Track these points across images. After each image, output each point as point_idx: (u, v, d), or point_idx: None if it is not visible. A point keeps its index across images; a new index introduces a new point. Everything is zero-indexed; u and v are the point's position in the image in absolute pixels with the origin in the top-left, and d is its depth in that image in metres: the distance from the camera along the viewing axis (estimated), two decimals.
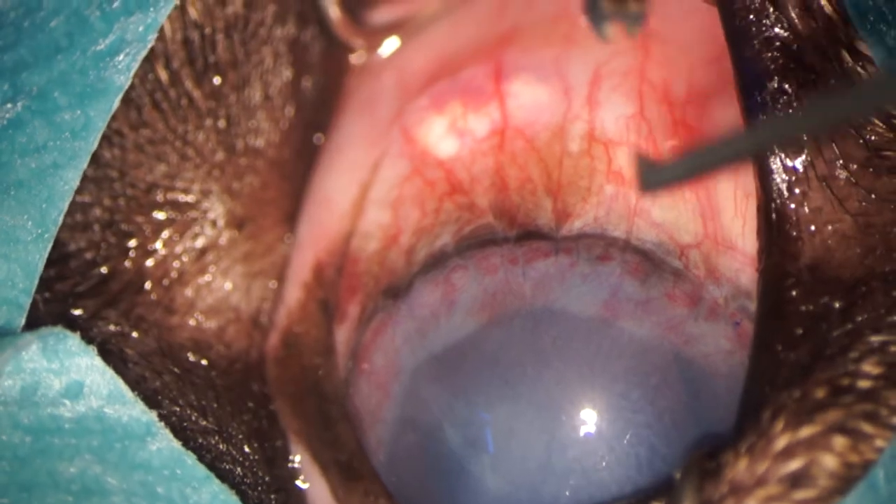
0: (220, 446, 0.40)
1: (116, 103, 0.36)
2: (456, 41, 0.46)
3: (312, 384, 0.43)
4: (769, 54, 0.38)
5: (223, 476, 0.36)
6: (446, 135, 0.43)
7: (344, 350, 0.43)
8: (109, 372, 0.35)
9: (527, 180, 0.42)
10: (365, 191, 0.44)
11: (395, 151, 0.44)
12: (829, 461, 0.33)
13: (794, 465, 0.33)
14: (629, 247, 0.41)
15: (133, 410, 0.35)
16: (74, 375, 0.35)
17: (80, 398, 0.35)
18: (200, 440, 0.40)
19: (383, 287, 0.43)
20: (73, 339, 0.35)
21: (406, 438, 0.42)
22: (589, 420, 0.39)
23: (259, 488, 0.41)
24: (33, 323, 0.36)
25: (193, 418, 0.40)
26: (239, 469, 0.40)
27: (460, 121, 0.43)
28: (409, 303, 0.42)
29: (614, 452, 0.39)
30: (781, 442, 0.34)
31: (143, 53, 0.36)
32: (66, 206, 0.36)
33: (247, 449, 0.41)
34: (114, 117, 0.39)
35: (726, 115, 0.41)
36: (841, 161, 0.37)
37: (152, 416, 0.35)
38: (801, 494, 0.33)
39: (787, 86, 0.38)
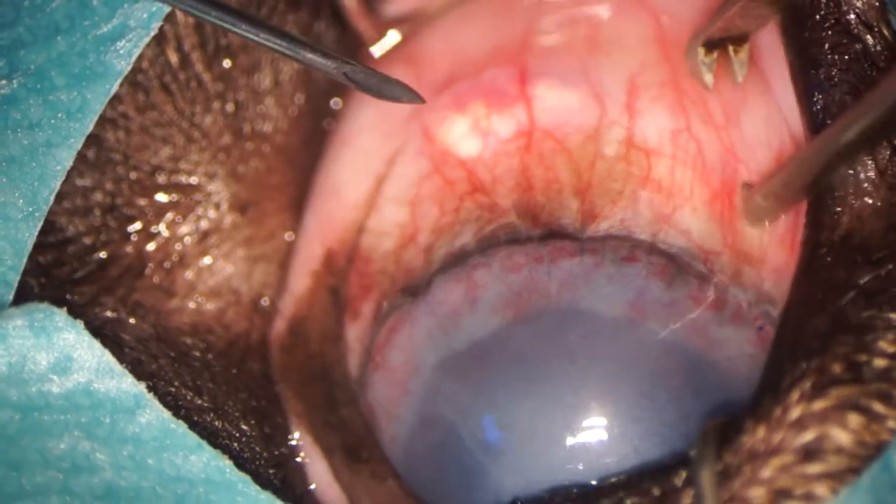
0: (216, 423, 0.40)
1: (115, 87, 0.36)
2: (470, 33, 0.45)
3: (320, 370, 0.43)
4: (823, 34, 0.38)
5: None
6: (469, 135, 0.43)
7: (357, 348, 0.43)
8: (97, 345, 0.35)
9: (554, 181, 0.42)
10: (380, 184, 0.44)
11: (413, 149, 0.44)
12: (841, 437, 0.33)
13: (807, 436, 0.33)
14: (655, 249, 0.40)
15: (122, 383, 0.35)
16: (62, 350, 0.35)
17: (69, 373, 0.35)
18: (195, 418, 0.40)
19: (400, 286, 0.43)
20: (60, 315, 0.35)
21: (424, 436, 0.41)
22: (612, 420, 0.39)
23: (256, 463, 0.40)
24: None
25: (189, 397, 0.40)
26: (236, 444, 0.40)
27: (483, 121, 0.43)
28: (429, 300, 0.42)
29: (638, 453, 0.39)
30: (796, 412, 0.33)
31: (146, 40, 0.36)
32: (58, 185, 0.36)
33: (244, 426, 0.41)
34: (120, 100, 0.40)
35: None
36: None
37: (141, 387, 0.35)
38: (813, 468, 0.33)
39: (838, 59, 0.37)
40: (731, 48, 0.40)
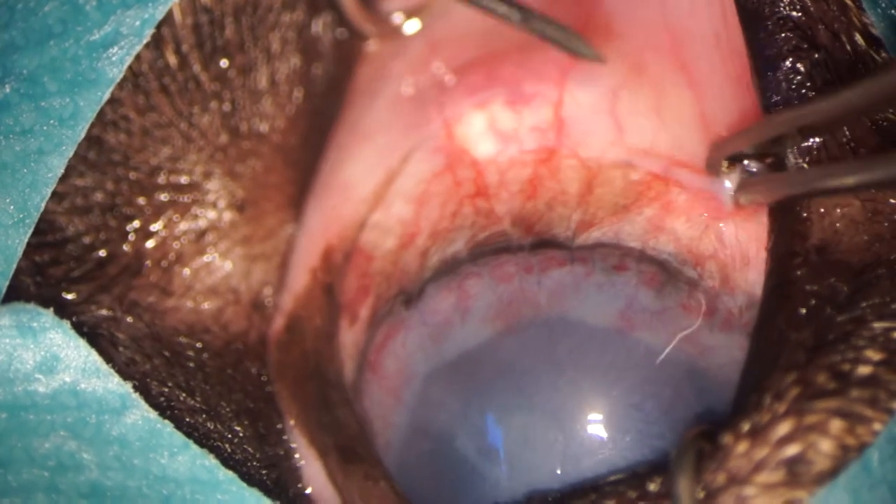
0: (209, 424, 0.41)
1: (107, 95, 0.36)
2: (478, 31, 0.45)
3: (314, 368, 0.43)
4: (782, 35, 0.37)
5: (211, 452, 0.36)
6: (488, 136, 0.43)
7: (354, 353, 0.44)
8: (83, 345, 0.35)
9: (561, 192, 0.42)
10: (391, 179, 0.44)
11: (430, 146, 0.44)
12: (825, 445, 0.33)
13: (792, 449, 0.33)
14: (645, 257, 0.40)
15: (108, 383, 0.35)
16: (49, 350, 0.35)
17: (55, 373, 0.35)
18: (187, 419, 0.40)
19: (395, 290, 0.43)
20: (47, 314, 0.35)
21: (417, 444, 0.42)
22: (602, 431, 0.39)
23: (249, 464, 0.41)
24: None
25: (182, 398, 0.41)
26: (227, 446, 0.41)
27: (508, 125, 0.43)
28: (421, 309, 0.42)
29: (628, 464, 0.39)
30: (783, 428, 0.33)
31: (139, 48, 0.37)
32: (49, 192, 0.36)
33: (237, 427, 0.41)
34: (121, 103, 0.40)
35: None
36: (853, 145, 0.36)
37: (127, 388, 0.35)
38: (796, 479, 0.33)
39: (799, 66, 0.37)
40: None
